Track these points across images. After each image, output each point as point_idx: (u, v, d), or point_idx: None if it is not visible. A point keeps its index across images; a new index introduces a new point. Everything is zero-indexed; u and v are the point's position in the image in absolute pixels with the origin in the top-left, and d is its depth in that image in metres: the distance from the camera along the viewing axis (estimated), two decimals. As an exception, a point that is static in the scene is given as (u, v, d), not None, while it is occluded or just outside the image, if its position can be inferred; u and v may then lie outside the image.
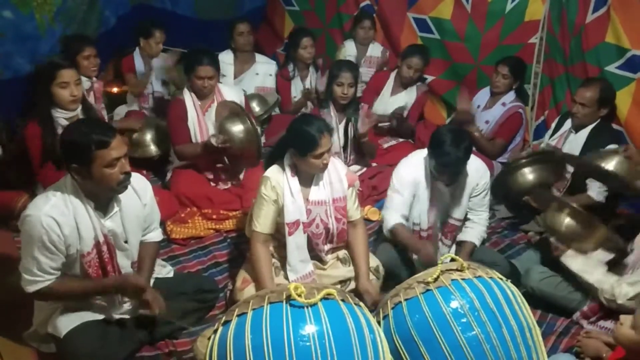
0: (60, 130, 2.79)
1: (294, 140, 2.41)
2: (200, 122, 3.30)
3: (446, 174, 2.52)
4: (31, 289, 2.02)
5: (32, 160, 2.88)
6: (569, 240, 2.54)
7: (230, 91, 3.46)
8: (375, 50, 4.55)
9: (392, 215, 2.68)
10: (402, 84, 4.08)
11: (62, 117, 2.85)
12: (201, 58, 3.23)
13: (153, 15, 4.46)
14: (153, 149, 3.68)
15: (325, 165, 2.40)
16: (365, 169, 3.70)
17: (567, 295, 2.54)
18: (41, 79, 2.81)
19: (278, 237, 2.55)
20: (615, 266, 2.48)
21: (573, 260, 2.49)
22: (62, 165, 2.84)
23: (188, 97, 3.31)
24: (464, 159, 2.49)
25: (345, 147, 3.58)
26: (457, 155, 2.45)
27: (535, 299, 2.52)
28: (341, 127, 3.53)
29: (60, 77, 2.77)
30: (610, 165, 2.63)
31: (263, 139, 3.87)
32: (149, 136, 3.68)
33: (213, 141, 3.11)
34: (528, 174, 3.18)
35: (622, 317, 1.99)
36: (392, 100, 4.09)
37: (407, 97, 4.10)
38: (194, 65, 3.23)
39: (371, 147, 3.60)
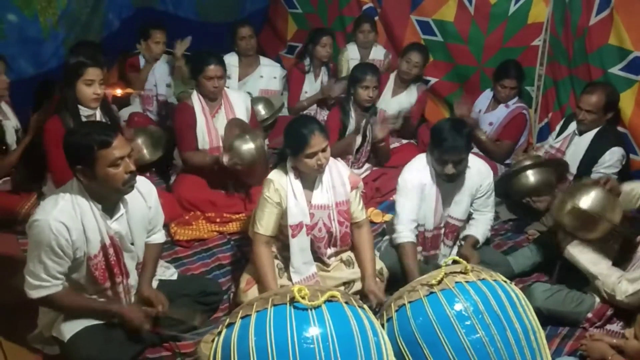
0: None
1: (287, 140, 2.43)
2: (209, 127, 3.29)
3: (449, 163, 2.49)
4: (35, 294, 2.02)
5: (47, 155, 2.85)
6: (575, 230, 2.52)
7: (237, 96, 3.45)
8: (378, 53, 4.55)
9: (403, 228, 2.65)
10: (402, 80, 4.08)
11: (81, 115, 2.85)
12: (208, 59, 3.22)
13: (155, 17, 4.47)
14: (146, 153, 3.66)
15: (321, 166, 2.38)
16: (369, 171, 3.71)
17: (575, 309, 2.48)
18: (69, 75, 2.82)
19: (281, 239, 2.55)
20: (623, 261, 2.47)
21: (579, 251, 2.47)
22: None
23: (197, 103, 3.29)
24: (464, 143, 2.48)
25: (359, 149, 3.59)
26: (458, 139, 2.45)
27: (543, 318, 2.33)
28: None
29: (88, 74, 2.79)
30: (589, 199, 2.50)
31: (267, 142, 3.87)
32: (139, 141, 3.64)
33: (224, 161, 3.13)
34: (530, 176, 3.18)
35: (627, 332, 1.99)
36: (393, 102, 4.10)
37: (408, 97, 4.11)
38: (202, 66, 3.21)
39: (386, 151, 3.61)
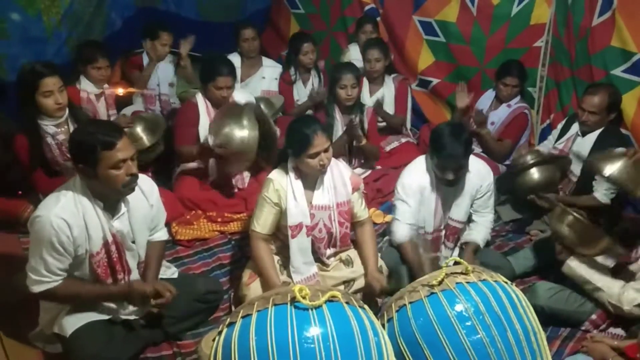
0: (48, 139, 2.87)
1: (289, 141, 2.42)
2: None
3: (449, 169, 2.49)
4: (36, 289, 2.03)
5: (25, 169, 2.89)
6: (573, 245, 2.50)
7: (241, 97, 3.44)
8: (380, 53, 4.54)
9: (401, 228, 2.66)
10: (372, 79, 4.04)
11: (49, 125, 2.86)
12: (222, 68, 3.20)
13: (157, 17, 4.47)
14: (145, 140, 3.62)
15: (323, 166, 2.38)
16: (369, 171, 3.71)
17: (579, 309, 2.47)
18: (24, 89, 2.77)
19: (281, 238, 2.56)
20: (620, 272, 2.46)
21: (578, 267, 2.45)
22: (54, 172, 2.88)
23: (201, 102, 3.29)
24: (464, 151, 2.48)
25: (350, 150, 3.58)
26: (457, 146, 2.44)
27: (545, 317, 2.38)
28: None
29: (44, 86, 2.73)
30: (614, 168, 2.48)
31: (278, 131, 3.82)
32: (139, 128, 3.61)
33: (210, 142, 3.07)
34: (534, 173, 3.17)
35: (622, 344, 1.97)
36: (372, 100, 4.05)
37: (385, 92, 4.06)
38: (214, 75, 3.19)
39: (373, 148, 3.61)
